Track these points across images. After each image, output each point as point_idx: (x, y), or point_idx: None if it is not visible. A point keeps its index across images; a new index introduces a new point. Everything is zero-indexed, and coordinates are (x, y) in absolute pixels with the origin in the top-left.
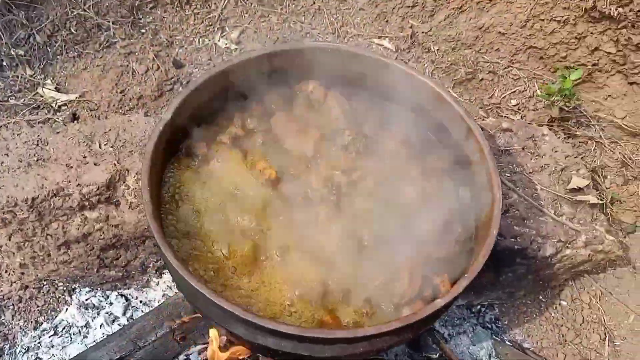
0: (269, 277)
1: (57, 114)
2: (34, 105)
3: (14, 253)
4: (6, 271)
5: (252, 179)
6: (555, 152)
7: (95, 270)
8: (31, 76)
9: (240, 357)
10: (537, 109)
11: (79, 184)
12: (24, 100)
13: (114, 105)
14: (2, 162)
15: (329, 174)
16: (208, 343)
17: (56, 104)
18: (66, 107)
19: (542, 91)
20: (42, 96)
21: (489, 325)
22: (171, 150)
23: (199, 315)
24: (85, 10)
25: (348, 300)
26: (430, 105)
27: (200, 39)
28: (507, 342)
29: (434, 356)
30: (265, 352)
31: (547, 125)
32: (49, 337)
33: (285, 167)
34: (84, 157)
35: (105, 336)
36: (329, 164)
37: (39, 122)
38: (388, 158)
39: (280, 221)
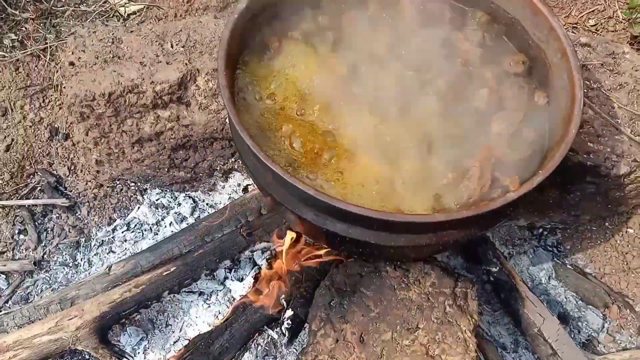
0: (339, 172)
1: (126, 22)
2: (103, 12)
3: (91, 149)
4: (81, 170)
5: (323, 75)
6: (636, 70)
7: (166, 170)
8: None
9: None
10: (617, 30)
11: (152, 82)
12: (95, 7)
13: (180, 15)
14: (80, 58)
15: (402, 73)
16: (271, 241)
17: (125, 11)
18: (135, 15)
19: (622, 10)
20: (112, 3)
21: (551, 249)
22: (244, 43)
23: (264, 214)
24: None
25: (417, 196)
26: (508, 6)
27: None
28: (569, 266)
29: (494, 269)
30: (333, 242)
31: (628, 44)
32: (122, 232)
33: (357, 65)
34: (157, 55)
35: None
36: (401, 64)
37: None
38: (463, 60)
39: (351, 119)
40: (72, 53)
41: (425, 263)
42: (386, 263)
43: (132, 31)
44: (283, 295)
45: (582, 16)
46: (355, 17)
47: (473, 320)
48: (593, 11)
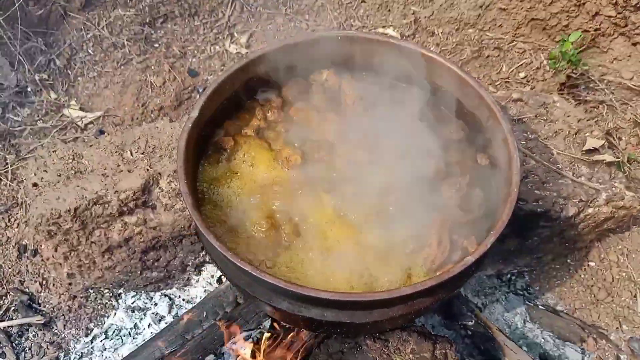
0: (304, 257)
1: (85, 132)
2: (61, 126)
3: (61, 264)
4: (53, 284)
5: (279, 166)
6: (568, 116)
7: (139, 273)
8: (55, 99)
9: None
10: (546, 79)
11: (116, 191)
12: (52, 122)
13: (137, 118)
14: (42, 178)
15: (352, 154)
16: (251, 329)
17: (82, 122)
18: (92, 124)
19: (547, 61)
20: (68, 117)
21: (521, 293)
22: (200, 149)
23: (240, 303)
24: (99, 31)
25: (387, 266)
26: (440, 80)
27: (212, 47)
28: (541, 307)
29: (470, 323)
30: (311, 326)
31: (557, 93)
32: (101, 341)
33: (309, 152)
34: (118, 165)
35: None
36: (350, 146)
37: (69, 141)
38: (407, 134)
39: (310, 201)
40: (34, 174)
41: (402, 331)
42: (365, 337)
43: (91, 145)
44: None
45: (512, 70)
46: (302, 109)
47: None
48: (522, 64)
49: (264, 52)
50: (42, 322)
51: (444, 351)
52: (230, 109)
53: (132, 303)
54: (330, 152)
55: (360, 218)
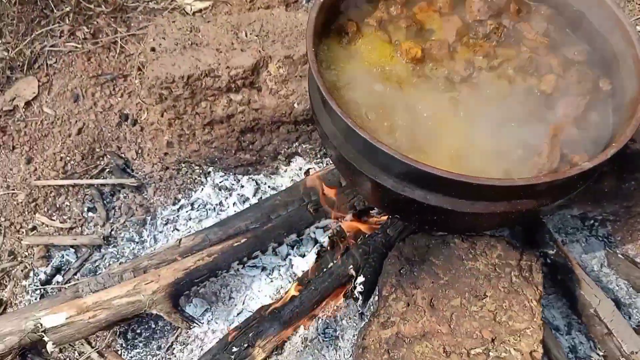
0: (411, 145)
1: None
2: (170, 9)
3: (163, 130)
4: (148, 154)
5: (398, 58)
6: None
7: (233, 152)
8: None
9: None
10: None
11: (227, 67)
12: (163, 4)
13: (244, 11)
14: (160, 44)
15: (471, 58)
16: (338, 218)
17: (191, 9)
18: (200, 12)
19: None
20: (177, 2)
21: (602, 239)
22: (326, 25)
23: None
24: None
25: (488, 169)
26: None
27: None
28: (620, 255)
29: (551, 252)
30: (409, 211)
31: None
32: (187, 211)
33: (428, 50)
34: (232, 43)
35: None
36: (470, 49)
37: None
38: (528, 48)
39: (423, 99)
40: (153, 40)
41: (491, 237)
42: (454, 236)
43: (208, 21)
44: (351, 266)
45: (632, 21)
46: (426, 9)
47: (539, 290)
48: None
49: None
50: (135, 185)
51: (529, 263)
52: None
53: (220, 182)
54: (449, 52)
55: (474, 119)
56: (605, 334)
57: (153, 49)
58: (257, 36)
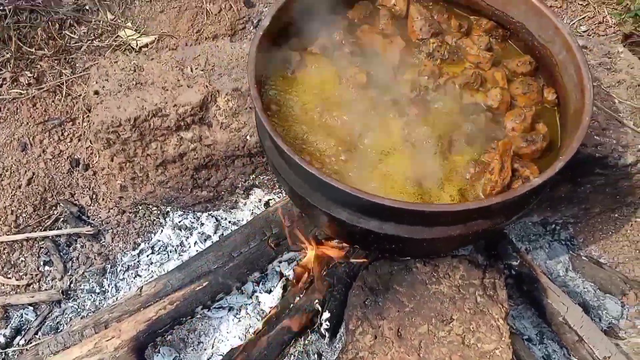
0: (359, 173)
1: (138, 55)
2: (115, 46)
3: (115, 175)
4: (103, 199)
5: (342, 84)
6: (632, 68)
7: (189, 190)
8: (112, 20)
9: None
10: (607, 34)
11: (175, 105)
12: (107, 42)
13: (190, 45)
14: (104, 87)
15: (416, 78)
16: (299, 250)
17: (137, 45)
18: (146, 47)
19: (611, 14)
20: (123, 38)
21: (565, 243)
22: (267, 59)
23: (289, 224)
24: None
25: (443, 191)
26: (512, 12)
27: None
28: (584, 257)
29: (514, 263)
30: (366, 240)
31: (621, 45)
32: (147, 255)
33: (373, 74)
34: (178, 80)
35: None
36: (415, 70)
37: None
38: (472, 64)
39: (372, 124)
40: (96, 82)
41: (452, 257)
42: (415, 260)
43: (152, 59)
44: (317, 300)
45: (574, 23)
46: (368, 32)
47: (504, 308)
48: (584, 18)
49: None
50: (91, 233)
51: (492, 280)
52: (297, 26)
53: (179, 222)
54: (394, 75)
55: (424, 141)
56: (576, 341)
57: (96, 93)
58: (203, 70)
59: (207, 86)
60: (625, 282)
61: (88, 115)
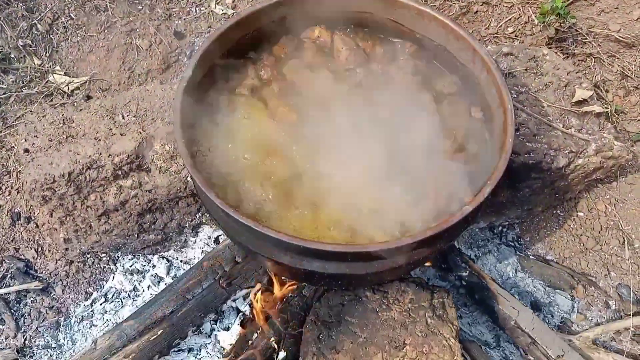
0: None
1: (71, 98)
2: (47, 92)
3: (57, 229)
4: (49, 250)
5: (274, 125)
6: (557, 69)
7: (136, 236)
8: (40, 65)
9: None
10: (534, 33)
11: (109, 155)
12: (37, 88)
13: (124, 82)
14: (33, 144)
15: (347, 110)
16: (252, 287)
17: (68, 88)
18: (79, 90)
19: (536, 15)
20: (53, 83)
21: (512, 244)
22: (195, 108)
23: (239, 262)
24: None
25: (384, 222)
26: (433, 35)
27: (197, 8)
28: (531, 257)
29: (464, 274)
30: (312, 279)
31: (546, 46)
32: (101, 304)
33: (305, 110)
34: (110, 129)
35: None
36: (345, 102)
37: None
38: (400, 89)
39: (307, 159)
40: (25, 140)
41: (401, 282)
42: (364, 289)
43: (81, 109)
44: (273, 338)
45: (501, 25)
46: (295, 67)
47: (454, 326)
48: (510, 19)
49: (255, 9)
50: (40, 287)
51: (441, 300)
52: (222, 68)
53: (130, 266)
54: (325, 109)
55: (359, 173)
56: (529, 344)
57: (27, 151)
58: (135, 117)
59: (140, 132)
60: (572, 277)
61: (20, 172)
